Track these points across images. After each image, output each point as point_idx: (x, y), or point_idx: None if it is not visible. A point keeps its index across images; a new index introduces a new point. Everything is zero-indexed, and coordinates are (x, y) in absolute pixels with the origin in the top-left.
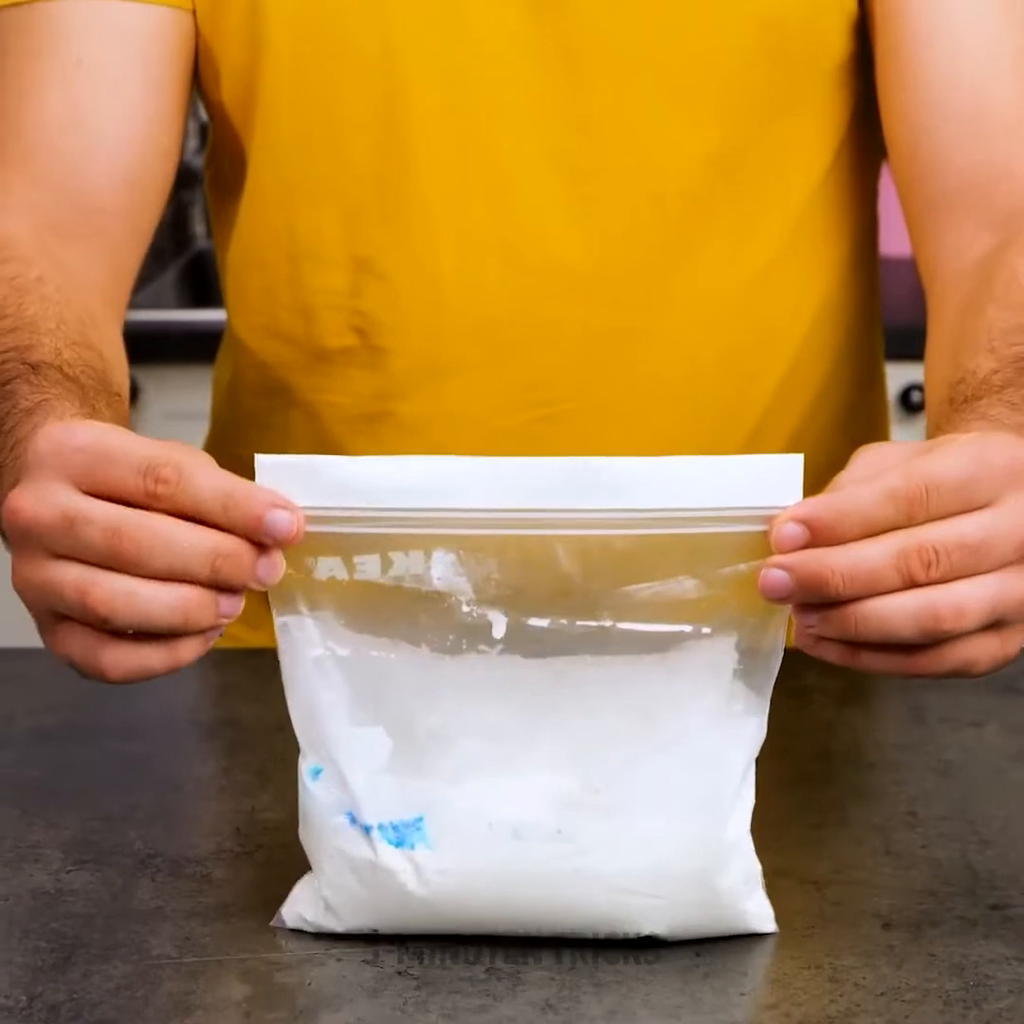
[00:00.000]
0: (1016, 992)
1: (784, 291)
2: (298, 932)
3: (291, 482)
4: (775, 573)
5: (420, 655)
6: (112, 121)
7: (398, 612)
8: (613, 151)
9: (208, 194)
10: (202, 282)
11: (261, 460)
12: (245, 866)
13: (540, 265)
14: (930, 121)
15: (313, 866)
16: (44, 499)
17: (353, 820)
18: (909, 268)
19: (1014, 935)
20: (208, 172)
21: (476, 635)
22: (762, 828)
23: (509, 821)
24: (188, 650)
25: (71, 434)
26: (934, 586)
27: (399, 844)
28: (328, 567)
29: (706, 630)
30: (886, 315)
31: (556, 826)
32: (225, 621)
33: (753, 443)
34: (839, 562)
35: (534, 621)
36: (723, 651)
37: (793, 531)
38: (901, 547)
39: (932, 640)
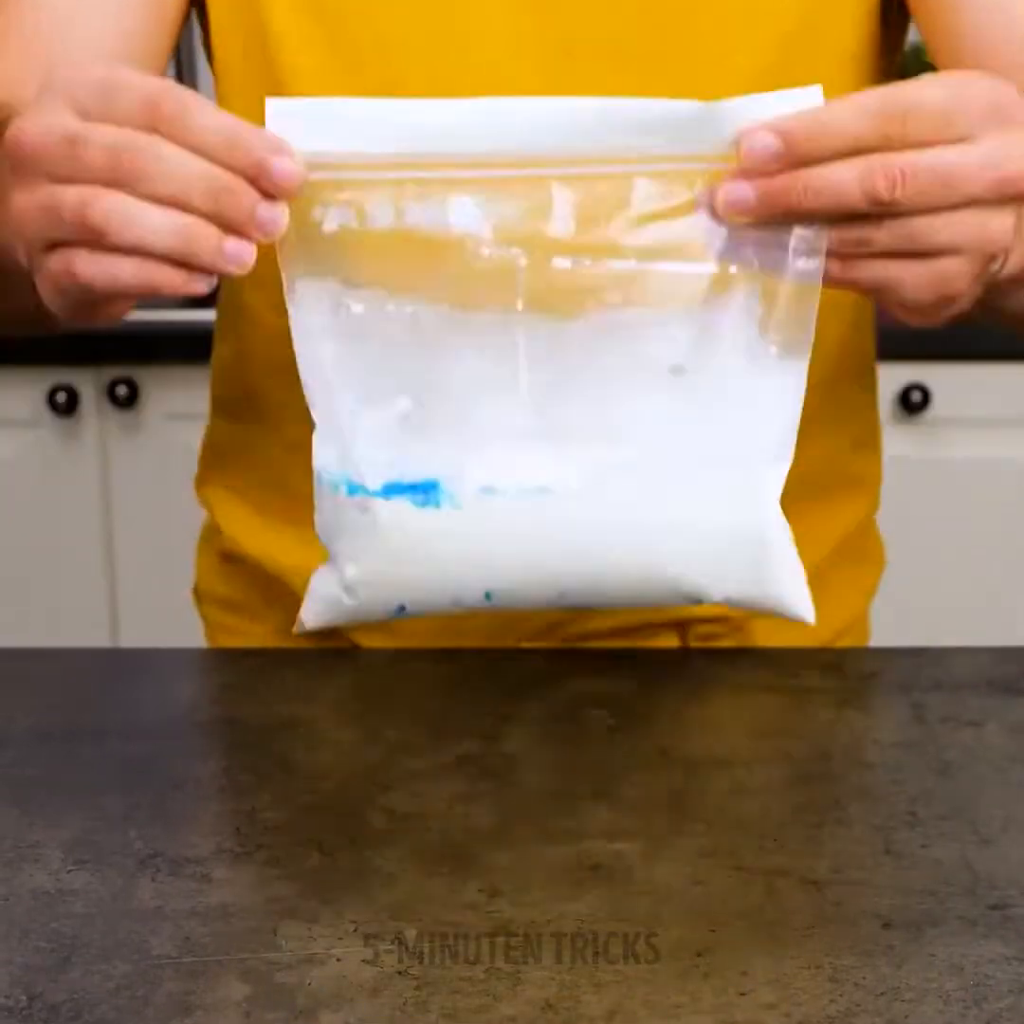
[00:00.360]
0: (1016, 992)
1: None
2: (297, 931)
3: (302, 126)
4: (740, 186)
5: (440, 311)
6: (95, 28)
7: (415, 264)
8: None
9: None
10: None
11: (271, 104)
12: (245, 866)
13: None
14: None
15: (331, 554)
16: (48, 125)
17: (370, 490)
18: None
19: (1014, 935)
20: None
21: (498, 285)
22: (762, 828)
23: (536, 480)
24: (170, 276)
25: (83, 69)
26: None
27: (423, 505)
28: (338, 217)
29: (732, 269)
30: (886, 315)
31: (585, 483)
32: (232, 268)
33: None
34: (804, 172)
35: (557, 260)
36: (748, 294)
37: (766, 140)
38: (868, 164)
39: (877, 208)
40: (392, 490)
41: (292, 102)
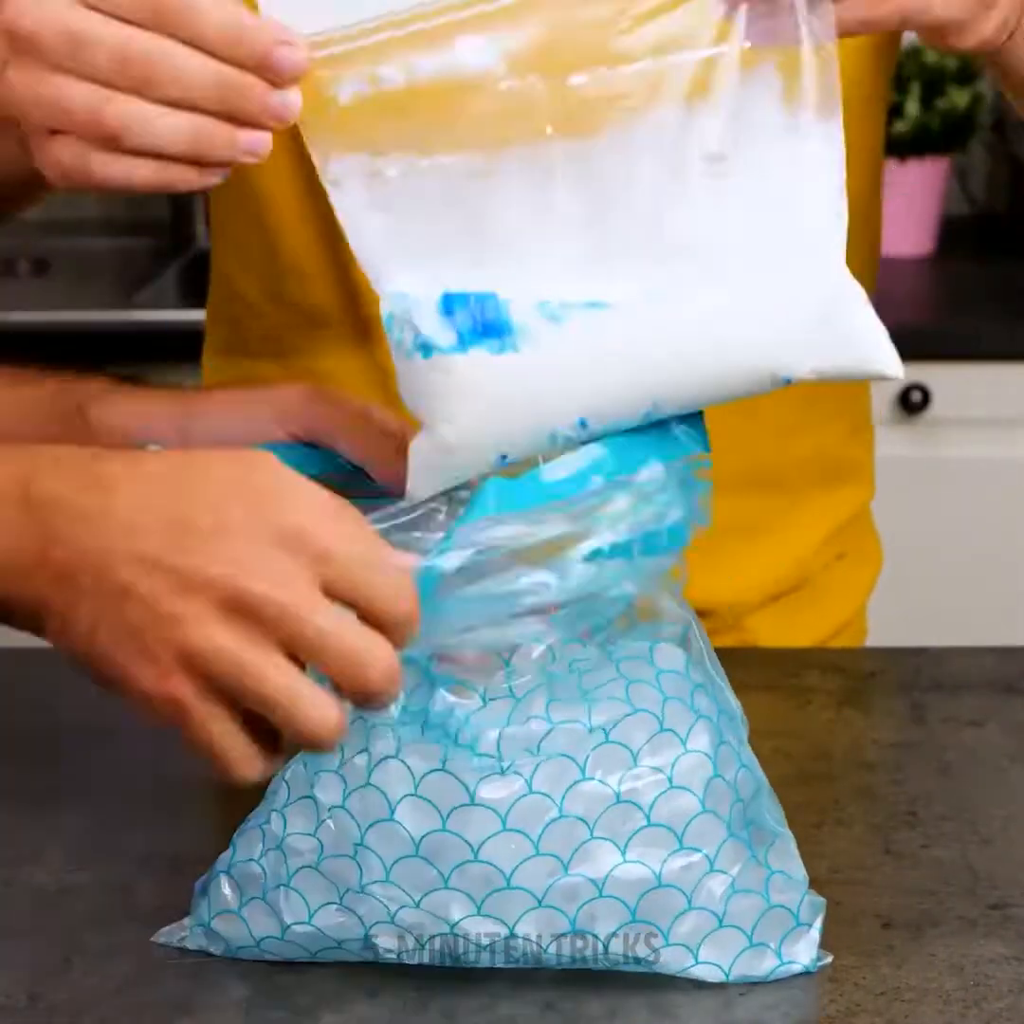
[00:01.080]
0: (1016, 992)
1: None
2: None
3: (299, 4)
4: None
5: (472, 157)
6: None
7: (439, 116)
8: None
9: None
10: (202, 282)
11: None
12: None
13: None
14: None
15: (422, 421)
16: (50, 14)
17: (445, 347)
18: (909, 268)
19: (1014, 935)
20: None
21: (524, 115)
22: None
23: (599, 299)
24: (184, 174)
25: None
26: None
27: (501, 351)
28: (352, 87)
29: (746, 44)
30: (886, 315)
31: (649, 292)
32: (248, 158)
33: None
34: None
35: (574, 78)
36: (766, 70)
37: None
38: None
39: None
40: (466, 342)
41: None
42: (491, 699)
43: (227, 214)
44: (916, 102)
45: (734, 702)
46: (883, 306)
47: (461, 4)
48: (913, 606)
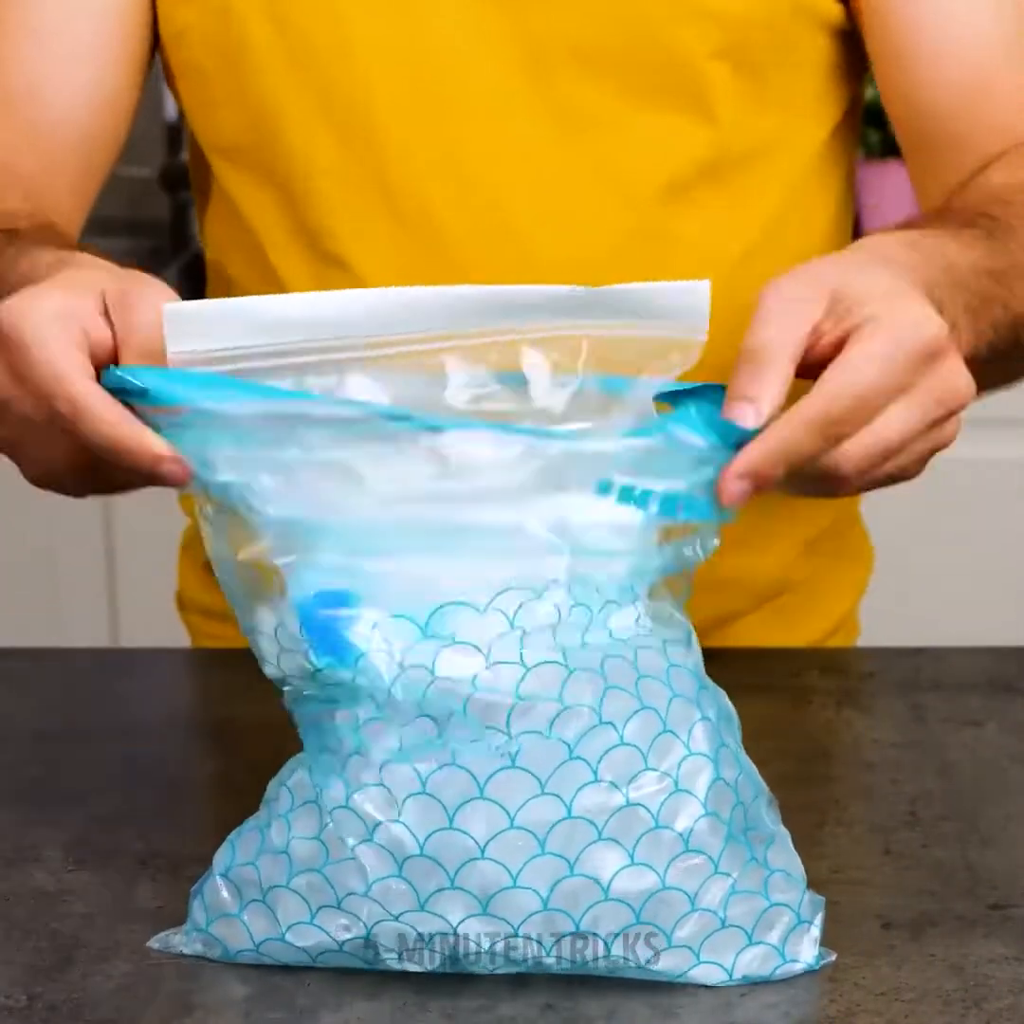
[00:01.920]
0: (1016, 992)
1: (762, 281)
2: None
3: (199, 328)
4: (734, 484)
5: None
6: (66, 93)
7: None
8: (580, 146)
9: (193, 191)
10: (202, 282)
11: (167, 310)
12: None
13: (512, 257)
14: (928, 98)
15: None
16: None
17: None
18: None
19: (1014, 935)
20: (190, 166)
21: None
22: None
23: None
24: None
25: (22, 315)
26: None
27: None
28: None
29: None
30: None
31: None
32: None
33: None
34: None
35: None
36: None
37: (741, 487)
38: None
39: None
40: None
41: (185, 306)
42: (497, 664)
43: (225, 244)
44: None
45: (730, 705)
46: None
47: (355, 346)
48: (912, 606)
